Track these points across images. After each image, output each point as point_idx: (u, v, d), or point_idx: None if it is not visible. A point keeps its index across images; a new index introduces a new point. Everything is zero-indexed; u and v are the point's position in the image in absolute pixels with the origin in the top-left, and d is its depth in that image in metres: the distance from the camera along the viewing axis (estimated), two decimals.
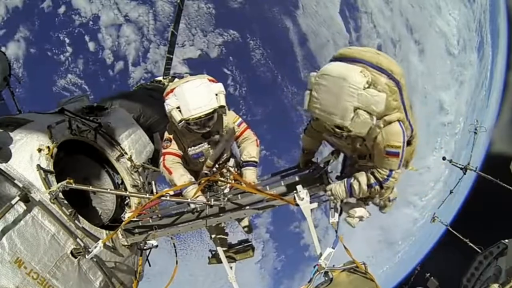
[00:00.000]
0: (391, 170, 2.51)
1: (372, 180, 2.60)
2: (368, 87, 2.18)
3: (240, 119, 3.59)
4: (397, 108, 2.39)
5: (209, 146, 3.51)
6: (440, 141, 31.67)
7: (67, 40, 28.54)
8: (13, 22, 26.36)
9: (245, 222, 4.37)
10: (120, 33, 29.99)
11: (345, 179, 2.82)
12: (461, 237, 9.41)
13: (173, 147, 3.48)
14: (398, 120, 2.40)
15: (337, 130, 2.37)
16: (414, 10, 31.56)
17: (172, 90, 3.18)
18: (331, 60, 2.48)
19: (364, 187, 2.64)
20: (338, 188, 2.82)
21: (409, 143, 2.72)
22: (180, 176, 3.35)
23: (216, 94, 3.15)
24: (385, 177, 2.54)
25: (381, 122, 2.38)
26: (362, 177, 2.67)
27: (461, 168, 8.89)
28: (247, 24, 32.56)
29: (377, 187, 2.60)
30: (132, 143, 4.50)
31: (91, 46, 29.50)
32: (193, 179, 3.44)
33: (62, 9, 28.18)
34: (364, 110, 2.19)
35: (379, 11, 32.05)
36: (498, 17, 29.71)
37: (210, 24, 31.27)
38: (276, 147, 32.39)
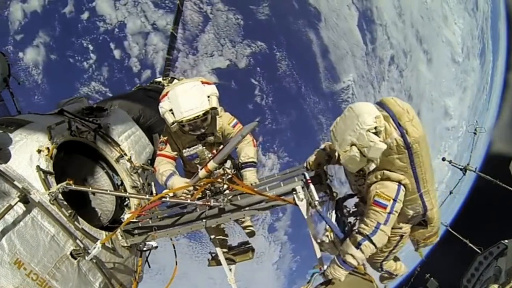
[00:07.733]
0: (378, 223, 2.44)
1: (359, 238, 2.50)
2: (372, 132, 2.23)
3: (236, 120, 3.58)
4: (402, 170, 2.41)
5: (204, 147, 3.56)
6: (445, 144, 32.41)
7: (90, 47, 27.61)
8: (32, 27, 25.42)
9: (248, 223, 4.34)
10: (148, 41, 29.34)
11: (333, 260, 2.72)
12: (461, 237, 9.43)
13: (167, 149, 3.55)
14: (399, 182, 2.43)
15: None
16: (423, 21, 32.21)
17: (166, 93, 3.26)
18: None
19: (359, 254, 2.51)
20: (333, 271, 2.66)
21: (423, 223, 2.75)
22: (163, 171, 3.44)
23: (208, 96, 3.20)
24: (372, 229, 2.46)
25: (379, 173, 2.47)
26: (349, 247, 2.57)
27: (460, 169, 8.92)
28: (273, 35, 32.67)
29: (368, 243, 2.47)
30: (132, 144, 4.49)
31: (117, 53, 28.80)
32: (176, 172, 3.52)
33: (85, 15, 27.23)
34: (358, 149, 2.28)
35: (393, 23, 32.66)
36: (498, 21, 30.46)
37: (238, 35, 31.31)
38: (299, 154, 33.02)
